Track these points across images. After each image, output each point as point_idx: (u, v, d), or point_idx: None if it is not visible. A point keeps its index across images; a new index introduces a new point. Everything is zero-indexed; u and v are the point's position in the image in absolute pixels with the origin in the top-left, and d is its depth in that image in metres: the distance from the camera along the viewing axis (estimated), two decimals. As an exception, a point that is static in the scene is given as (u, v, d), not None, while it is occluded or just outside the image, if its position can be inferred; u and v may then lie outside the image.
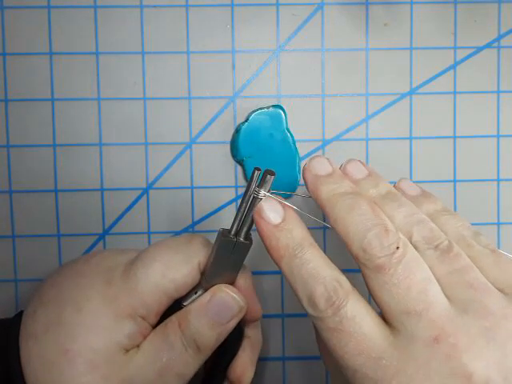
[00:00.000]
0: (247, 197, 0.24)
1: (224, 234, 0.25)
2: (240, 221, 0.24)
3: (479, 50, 0.34)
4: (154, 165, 0.34)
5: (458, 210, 0.35)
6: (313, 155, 0.24)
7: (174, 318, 0.25)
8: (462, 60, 0.34)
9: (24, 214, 0.34)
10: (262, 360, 0.35)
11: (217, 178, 0.34)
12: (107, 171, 0.34)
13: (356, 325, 0.20)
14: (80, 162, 0.34)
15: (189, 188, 0.34)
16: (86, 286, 0.25)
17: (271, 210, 0.23)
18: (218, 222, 0.34)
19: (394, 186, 0.25)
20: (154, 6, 0.33)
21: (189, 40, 0.34)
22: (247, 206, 0.24)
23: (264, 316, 0.34)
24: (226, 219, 0.34)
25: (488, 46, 0.34)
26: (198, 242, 0.27)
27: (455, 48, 0.34)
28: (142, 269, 0.25)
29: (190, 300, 0.26)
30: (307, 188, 0.24)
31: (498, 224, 0.35)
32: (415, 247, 0.21)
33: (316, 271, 0.21)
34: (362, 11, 0.34)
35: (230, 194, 0.34)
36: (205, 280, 0.26)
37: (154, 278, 0.25)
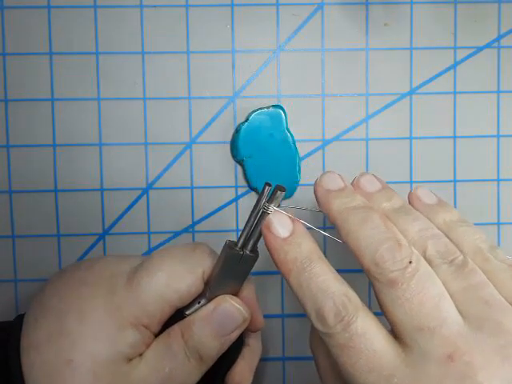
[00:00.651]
0: (256, 211, 0.24)
1: (230, 246, 0.25)
2: (248, 234, 0.24)
3: (479, 50, 0.34)
4: (154, 165, 0.34)
5: (457, 210, 0.35)
6: (324, 172, 0.24)
7: (177, 327, 0.25)
8: (462, 60, 0.34)
9: (24, 214, 0.34)
10: (261, 360, 0.34)
11: (217, 178, 0.34)
12: (107, 171, 0.34)
13: (367, 341, 0.19)
14: (80, 162, 0.34)
15: (189, 188, 0.34)
16: (88, 295, 0.25)
17: (280, 223, 0.22)
18: (218, 222, 0.34)
19: (410, 192, 0.25)
20: (154, 6, 0.33)
21: (189, 40, 0.34)
22: (256, 220, 0.24)
23: (264, 316, 0.34)
24: (226, 219, 0.34)
25: (488, 46, 0.34)
26: (202, 251, 0.26)
27: (455, 48, 0.34)
28: (145, 278, 0.25)
29: (192, 309, 0.26)
30: (318, 202, 0.24)
31: (498, 224, 0.35)
32: (429, 261, 0.21)
33: (325, 285, 0.20)
34: (362, 11, 0.34)
35: (230, 194, 0.34)
36: (209, 290, 0.26)
37: (158, 287, 0.24)
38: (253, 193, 0.34)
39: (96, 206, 0.34)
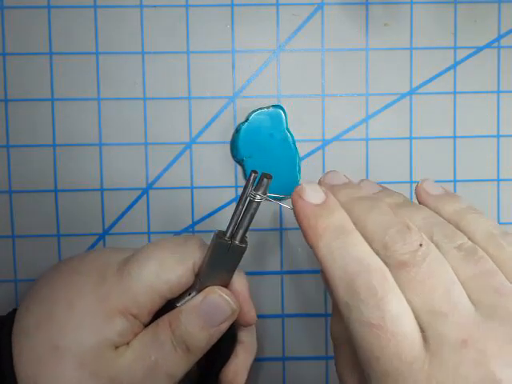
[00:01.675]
0: (243, 200, 0.24)
1: (219, 236, 0.25)
2: (236, 223, 0.24)
3: (479, 50, 0.34)
4: (154, 165, 0.34)
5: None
6: (328, 171, 0.24)
7: (165, 317, 0.25)
8: (462, 60, 0.34)
9: (24, 214, 0.34)
10: (261, 360, 0.35)
11: (217, 178, 0.34)
12: (107, 171, 0.34)
13: (399, 323, 0.18)
14: (80, 162, 0.34)
15: (189, 188, 0.34)
16: (79, 283, 0.25)
17: (313, 190, 0.22)
18: (218, 222, 0.34)
19: (417, 186, 0.25)
20: (154, 6, 0.33)
21: (189, 40, 0.34)
22: (243, 208, 0.24)
23: (264, 316, 0.34)
24: (226, 219, 0.34)
25: (488, 46, 0.34)
26: (193, 242, 0.27)
27: (455, 48, 0.34)
28: (136, 268, 0.25)
29: (183, 301, 0.26)
30: None
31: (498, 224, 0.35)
32: (437, 247, 0.20)
33: (361, 256, 0.19)
34: (362, 11, 0.34)
35: (230, 194, 0.34)
36: (199, 281, 0.26)
37: (148, 277, 0.25)
38: (253, 193, 0.34)
39: (96, 206, 0.34)
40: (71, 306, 0.24)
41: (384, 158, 0.34)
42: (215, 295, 0.25)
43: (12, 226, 0.34)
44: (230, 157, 0.34)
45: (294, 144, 0.33)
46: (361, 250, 0.20)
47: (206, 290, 0.26)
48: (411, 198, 0.34)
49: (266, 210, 0.34)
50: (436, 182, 0.34)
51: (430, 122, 0.35)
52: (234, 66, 0.34)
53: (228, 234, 0.25)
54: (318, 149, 0.34)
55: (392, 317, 0.18)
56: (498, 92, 0.34)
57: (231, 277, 0.26)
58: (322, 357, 0.35)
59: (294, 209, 0.22)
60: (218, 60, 0.34)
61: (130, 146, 0.34)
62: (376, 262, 0.19)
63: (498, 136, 0.35)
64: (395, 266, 0.19)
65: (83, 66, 0.33)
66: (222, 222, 0.34)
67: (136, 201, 0.34)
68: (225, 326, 0.26)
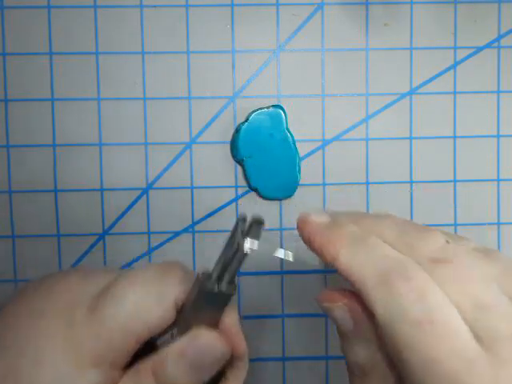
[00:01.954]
0: (232, 248, 0.21)
1: (204, 278, 0.22)
2: (223, 268, 0.22)
3: (479, 50, 0.34)
4: (154, 165, 0.34)
5: (458, 211, 0.35)
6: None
7: (147, 365, 0.22)
8: (462, 60, 0.34)
9: (24, 214, 0.34)
10: (262, 360, 0.35)
11: (217, 178, 0.34)
12: (107, 171, 0.34)
13: (448, 315, 0.17)
14: (80, 162, 0.34)
15: (189, 188, 0.34)
16: (45, 330, 0.21)
17: (316, 213, 0.21)
18: (218, 222, 0.34)
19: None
20: (154, 6, 0.33)
21: (189, 40, 0.34)
22: (231, 255, 0.21)
23: (264, 316, 0.34)
24: (226, 219, 0.34)
25: (488, 46, 0.34)
26: (173, 276, 0.23)
27: (455, 48, 0.34)
28: (109, 308, 0.21)
29: (164, 339, 0.23)
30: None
31: (498, 224, 0.35)
32: None
33: (389, 253, 0.19)
34: (362, 11, 0.34)
35: (230, 194, 0.34)
36: (183, 320, 0.23)
37: (123, 319, 0.21)
38: (253, 193, 0.34)
39: (96, 206, 0.34)
40: (37, 360, 0.21)
41: (384, 158, 0.34)
42: (202, 338, 0.22)
43: (12, 226, 0.34)
44: (230, 157, 0.34)
45: (294, 144, 0.33)
46: (386, 248, 0.19)
47: (193, 332, 0.22)
48: (411, 198, 0.34)
49: (266, 210, 0.34)
50: (436, 182, 0.35)
51: (430, 122, 0.35)
52: (234, 66, 0.34)
53: (214, 277, 0.21)
54: (318, 149, 0.34)
55: (440, 309, 0.17)
56: (498, 92, 0.34)
57: (219, 318, 0.23)
58: (322, 357, 0.35)
59: (302, 236, 0.21)
60: (218, 60, 0.34)
61: (129, 145, 0.34)
62: (404, 256, 0.18)
63: (498, 136, 0.35)
64: (427, 264, 0.18)
65: (83, 66, 0.33)
66: (222, 222, 0.34)
67: (136, 201, 0.34)
68: (214, 370, 0.22)
